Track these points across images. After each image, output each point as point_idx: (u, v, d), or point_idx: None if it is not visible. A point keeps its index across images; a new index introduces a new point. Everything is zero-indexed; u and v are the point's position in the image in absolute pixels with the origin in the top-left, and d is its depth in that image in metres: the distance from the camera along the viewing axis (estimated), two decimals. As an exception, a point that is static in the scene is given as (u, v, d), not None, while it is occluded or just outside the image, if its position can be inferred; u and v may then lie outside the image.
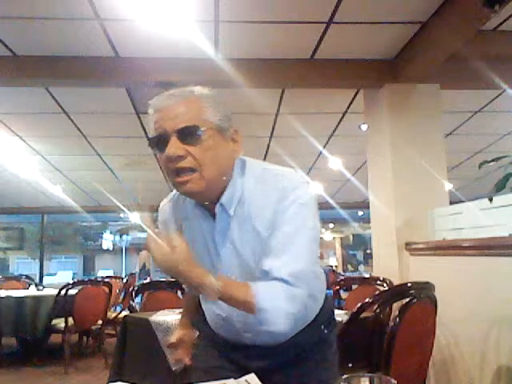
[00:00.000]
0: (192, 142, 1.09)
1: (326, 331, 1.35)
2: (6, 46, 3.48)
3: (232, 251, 1.19)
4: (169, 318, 2.56)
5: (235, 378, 1.08)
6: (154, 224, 1.06)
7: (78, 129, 5.45)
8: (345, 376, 0.68)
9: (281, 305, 1.06)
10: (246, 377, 1.08)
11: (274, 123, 5.34)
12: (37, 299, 5.03)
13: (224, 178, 1.15)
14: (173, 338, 1.44)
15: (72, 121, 5.16)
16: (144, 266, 14.94)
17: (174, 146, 1.08)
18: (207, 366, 1.36)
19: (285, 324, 1.07)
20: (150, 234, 1.02)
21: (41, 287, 6.23)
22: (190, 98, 1.13)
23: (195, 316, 1.49)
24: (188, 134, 1.09)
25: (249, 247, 1.16)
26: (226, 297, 1.06)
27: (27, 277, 7.79)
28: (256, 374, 1.14)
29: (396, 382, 0.67)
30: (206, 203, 1.20)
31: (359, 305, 2.30)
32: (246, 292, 1.06)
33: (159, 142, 1.11)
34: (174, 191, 1.29)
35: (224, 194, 1.16)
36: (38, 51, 3.59)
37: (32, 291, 5.92)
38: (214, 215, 1.20)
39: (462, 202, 3.38)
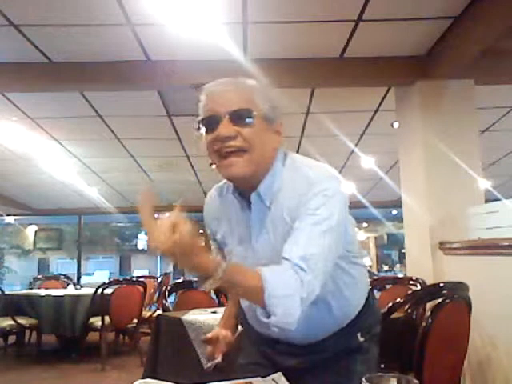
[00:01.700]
0: (243, 125, 1.13)
1: (361, 339, 1.31)
2: (42, 52, 3.60)
3: (266, 241, 1.20)
4: (201, 317, 2.59)
5: (262, 377, 1.09)
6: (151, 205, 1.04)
7: (112, 131, 5.58)
8: (367, 375, 0.68)
9: (287, 290, 1.03)
10: (273, 375, 1.08)
11: (305, 123, 5.33)
12: (75, 298, 5.19)
13: (266, 166, 1.19)
14: (209, 334, 1.47)
15: (106, 124, 5.29)
16: (177, 265, 15.09)
17: (226, 127, 1.12)
18: (246, 361, 1.40)
19: (295, 307, 1.03)
20: (145, 214, 1.03)
21: (79, 286, 6.38)
22: (242, 85, 1.19)
23: (235, 317, 1.51)
24: (240, 117, 1.13)
25: (281, 238, 1.15)
26: (233, 281, 1.04)
27: (66, 276, 7.99)
28: (285, 372, 1.14)
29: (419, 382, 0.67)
30: (243, 192, 1.23)
31: (390, 304, 2.27)
32: (254, 276, 1.04)
33: (210, 123, 1.15)
34: (221, 182, 1.34)
35: (262, 182, 1.19)
36: (72, 57, 3.70)
37: (70, 290, 6.08)
38: (249, 204, 1.22)
39: (499, 200, 3.28)
